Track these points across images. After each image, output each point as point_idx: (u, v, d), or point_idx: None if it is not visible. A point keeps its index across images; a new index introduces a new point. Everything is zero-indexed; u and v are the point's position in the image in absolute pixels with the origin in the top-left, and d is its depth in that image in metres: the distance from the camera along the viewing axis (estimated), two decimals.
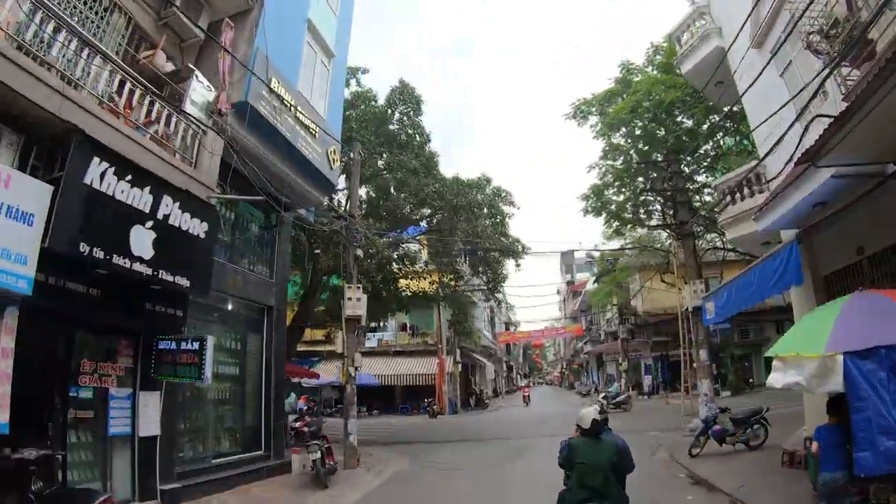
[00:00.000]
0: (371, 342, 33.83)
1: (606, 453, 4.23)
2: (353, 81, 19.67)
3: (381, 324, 35.62)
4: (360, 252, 12.91)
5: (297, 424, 17.18)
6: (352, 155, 13.75)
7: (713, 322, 9.71)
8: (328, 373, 33.10)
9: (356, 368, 12.49)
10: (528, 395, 35.36)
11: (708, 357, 14.40)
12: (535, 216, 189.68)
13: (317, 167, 11.82)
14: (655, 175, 16.50)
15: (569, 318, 51.35)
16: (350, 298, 12.42)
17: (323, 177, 12.26)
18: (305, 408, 32.54)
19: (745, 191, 10.29)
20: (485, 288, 25.44)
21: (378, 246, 17.33)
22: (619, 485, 4.24)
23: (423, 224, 21.28)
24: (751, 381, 29.14)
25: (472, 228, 18.90)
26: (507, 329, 54.61)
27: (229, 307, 10.75)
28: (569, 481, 4.48)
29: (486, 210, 19.35)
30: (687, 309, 14.60)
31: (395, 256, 17.12)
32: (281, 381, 11.68)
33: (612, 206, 20.66)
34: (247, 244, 11.60)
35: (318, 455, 9.85)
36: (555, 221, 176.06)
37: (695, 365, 14.58)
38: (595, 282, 34.85)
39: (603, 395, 26.88)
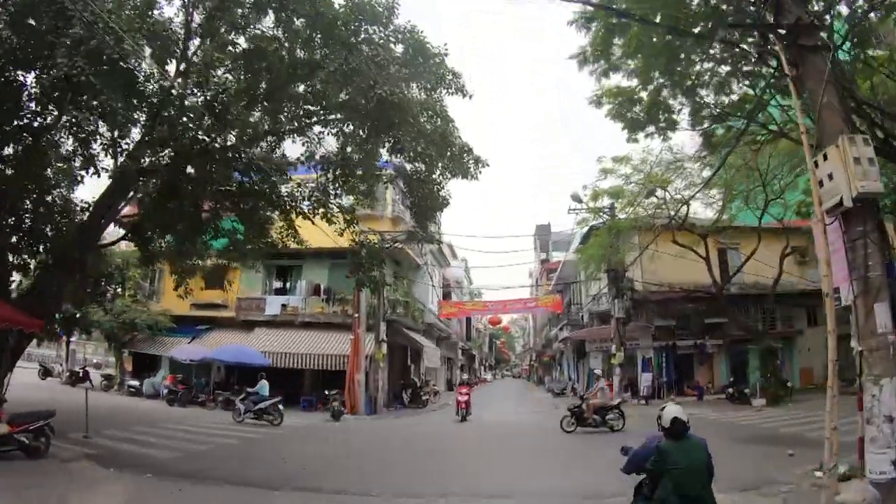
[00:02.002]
0: (272, 308, 24.57)
1: (699, 454, 3.87)
2: None
3: (287, 285, 26.54)
4: None
5: None
6: None
7: None
8: (214, 344, 23.89)
9: None
10: (468, 402, 18.97)
11: (893, 324, 5.74)
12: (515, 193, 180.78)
13: None
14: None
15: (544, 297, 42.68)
16: None
17: None
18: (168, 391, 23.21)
19: None
20: (412, 229, 16.49)
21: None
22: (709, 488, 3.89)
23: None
24: (789, 383, 20.93)
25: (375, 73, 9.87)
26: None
27: None
28: (658, 491, 3.89)
29: (402, 50, 10.28)
30: (839, 205, 5.87)
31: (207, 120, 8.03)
32: None
33: (628, 70, 11.87)
34: None
35: None
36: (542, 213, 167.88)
37: (854, 346, 5.88)
38: (583, 240, 25.77)
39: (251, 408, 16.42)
